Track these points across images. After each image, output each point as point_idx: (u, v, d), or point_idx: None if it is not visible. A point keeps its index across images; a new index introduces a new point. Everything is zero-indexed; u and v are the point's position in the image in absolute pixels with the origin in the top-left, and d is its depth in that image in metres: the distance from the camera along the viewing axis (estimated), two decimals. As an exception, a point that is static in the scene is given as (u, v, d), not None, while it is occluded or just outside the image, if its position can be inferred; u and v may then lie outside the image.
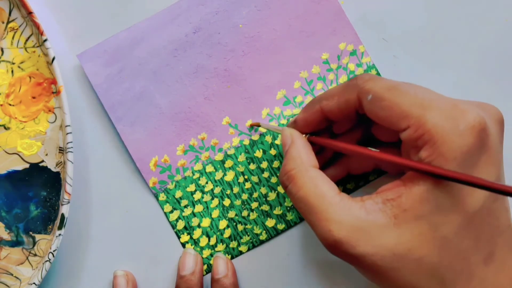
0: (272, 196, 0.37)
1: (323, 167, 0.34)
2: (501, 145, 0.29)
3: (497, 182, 0.26)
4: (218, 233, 0.37)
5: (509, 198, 0.30)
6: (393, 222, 0.27)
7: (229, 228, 0.37)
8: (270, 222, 0.37)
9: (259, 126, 0.36)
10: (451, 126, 0.27)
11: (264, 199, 0.37)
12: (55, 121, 0.36)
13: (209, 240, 0.37)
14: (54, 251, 0.34)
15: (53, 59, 0.34)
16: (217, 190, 0.37)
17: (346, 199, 0.29)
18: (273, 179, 0.37)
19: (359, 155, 0.30)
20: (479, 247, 0.28)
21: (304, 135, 0.33)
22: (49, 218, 0.36)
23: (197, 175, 0.37)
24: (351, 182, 0.37)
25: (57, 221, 0.34)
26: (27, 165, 0.36)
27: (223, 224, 0.37)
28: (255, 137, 0.37)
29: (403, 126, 0.28)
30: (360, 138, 0.35)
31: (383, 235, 0.27)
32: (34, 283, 0.34)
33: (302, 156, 0.31)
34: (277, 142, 0.37)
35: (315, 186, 0.29)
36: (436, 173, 0.26)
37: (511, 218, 0.29)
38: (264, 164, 0.37)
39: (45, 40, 0.34)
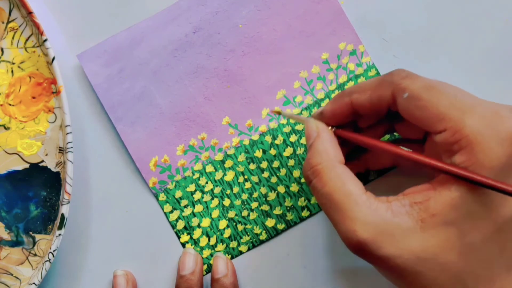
0: (272, 196, 0.37)
1: None
2: None
3: None
4: (218, 233, 0.37)
5: None
6: (420, 226, 0.27)
7: (229, 228, 0.37)
8: (270, 222, 0.37)
9: (280, 113, 0.34)
10: (491, 133, 0.26)
11: (264, 199, 0.37)
12: (55, 121, 0.36)
13: (209, 240, 0.37)
14: (54, 251, 0.34)
15: (53, 59, 0.34)
16: (217, 190, 0.37)
17: (372, 199, 0.28)
18: (273, 179, 0.37)
19: (391, 153, 0.29)
20: (504, 256, 0.27)
21: (330, 128, 0.32)
22: (49, 218, 0.36)
23: (197, 175, 0.37)
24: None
25: (57, 221, 0.34)
26: (27, 165, 0.36)
27: (223, 224, 0.37)
28: (255, 137, 0.37)
29: (440, 129, 0.27)
30: (383, 134, 0.34)
31: (408, 238, 0.27)
32: (34, 283, 0.34)
33: (329, 151, 0.30)
34: (277, 142, 0.37)
35: (342, 184, 0.28)
36: (473, 179, 0.26)
37: None
38: (264, 164, 0.37)
39: (45, 40, 0.34)
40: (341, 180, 0.29)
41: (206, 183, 0.37)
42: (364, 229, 0.27)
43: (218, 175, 0.37)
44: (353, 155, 0.36)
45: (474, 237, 0.27)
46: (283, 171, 0.37)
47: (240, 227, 0.37)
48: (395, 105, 0.29)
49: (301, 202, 0.37)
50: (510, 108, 0.28)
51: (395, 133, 0.36)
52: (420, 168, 0.29)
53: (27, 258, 0.36)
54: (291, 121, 0.37)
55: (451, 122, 0.27)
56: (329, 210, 0.29)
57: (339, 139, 0.32)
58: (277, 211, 0.37)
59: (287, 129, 0.37)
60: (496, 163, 0.26)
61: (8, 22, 0.35)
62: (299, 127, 0.37)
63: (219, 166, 0.37)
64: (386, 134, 0.35)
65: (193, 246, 0.37)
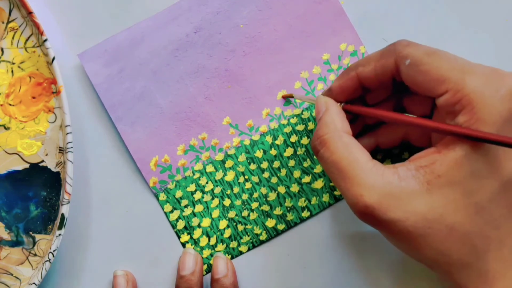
0: (272, 196, 0.37)
1: None
2: None
3: None
4: (218, 233, 0.37)
5: None
6: (426, 188, 0.27)
7: (229, 228, 0.37)
8: (270, 222, 0.37)
9: (292, 97, 0.35)
10: (491, 90, 0.26)
11: (264, 199, 0.37)
12: (55, 121, 0.36)
13: (209, 240, 0.37)
14: (54, 251, 0.34)
15: (53, 59, 0.34)
16: (217, 190, 0.37)
17: (378, 165, 0.29)
18: (274, 179, 0.37)
19: (398, 121, 0.30)
20: None
21: (339, 104, 0.32)
22: (49, 218, 0.36)
23: (197, 175, 0.37)
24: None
25: (57, 221, 0.34)
26: (27, 165, 0.36)
27: (223, 224, 0.37)
28: (256, 137, 0.37)
29: (441, 91, 0.28)
30: (391, 110, 0.34)
31: (415, 201, 0.27)
32: (34, 283, 0.34)
33: (336, 122, 0.31)
34: (278, 142, 0.37)
35: (348, 152, 0.29)
36: (475, 136, 0.26)
37: None
38: (265, 164, 0.37)
39: (45, 40, 0.34)
40: (348, 149, 0.29)
41: (207, 183, 0.37)
42: (371, 193, 0.28)
43: (219, 175, 0.37)
44: (362, 134, 0.36)
45: (481, 197, 0.27)
46: (283, 172, 0.37)
47: (240, 227, 0.37)
48: (398, 74, 0.30)
49: (302, 202, 0.37)
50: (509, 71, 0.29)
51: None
52: (428, 139, 0.30)
53: (27, 258, 0.35)
54: (292, 121, 0.37)
55: (451, 83, 0.27)
56: (336, 178, 0.29)
57: (348, 117, 0.32)
58: (278, 211, 0.37)
59: (287, 130, 0.37)
60: (498, 119, 0.26)
61: (8, 22, 0.35)
62: (299, 127, 0.37)
63: (219, 166, 0.37)
64: (394, 111, 0.34)
65: (193, 246, 0.37)
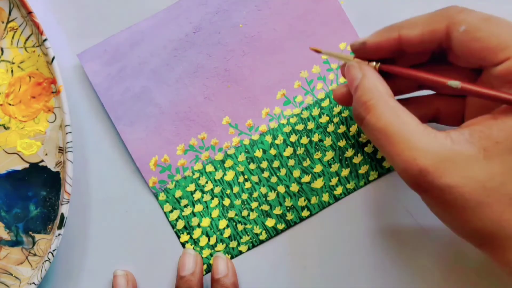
0: (272, 196, 0.37)
1: None
2: None
3: None
4: (218, 232, 0.37)
5: None
6: (483, 155, 0.26)
7: (229, 228, 0.37)
8: (270, 222, 0.37)
9: (320, 52, 0.32)
10: None
11: (264, 198, 0.37)
12: (54, 120, 0.36)
13: (209, 240, 0.37)
14: (53, 251, 0.34)
15: (53, 58, 0.34)
16: (217, 189, 0.37)
17: (430, 129, 0.27)
18: (273, 179, 0.37)
19: (441, 86, 0.28)
20: None
21: (374, 63, 0.31)
22: (49, 218, 0.36)
23: (197, 174, 0.37)
24: (351, 182, 0.37)
25: (57, 221, 0.34)
26: (27, 165, 0.36)
27: (223, 223, 0.37)
28: (255, 136, 0.37)
29: (502, 58, 0.26)
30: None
31: (473, 166, 0.26)
32: (33, 283, 0.34)
33: (378, 86, 0.29)
34: (277, 142, 0.37)
35: (396, 116, 0.27)
36: None
37: None
38: (264, 164, 0.37)
39: (45, 40, 0.34)
40: (396, 113, 0.28)
41: (206, 182, 0.37)
42: (425, 156, 0.26)
43: (218, 175, 0.37)
44: None
45: None
46: (283, 171, 0.37)
47: (240, 227, 0.37)
48: (448, 41, 0.28)
49: (301, 202, 0.37)
50: None
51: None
52: (461, 118, 0.28)
53: (26, 258, 0.35)
54: (291, 120, 0.37)
55: None
56: (385, 145, 0.28)
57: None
58: (277, 211, 0.37)
59: (287, 129, 0.37)
60: None
61: (8, 22, 0.35)
62: (299, 127, 0.37)
63: (219, 165, 0.37)
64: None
65: (193, 246, 0.37)
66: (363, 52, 0.31)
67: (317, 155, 0.37)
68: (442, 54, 0.30)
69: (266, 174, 0.37)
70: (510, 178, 0.26)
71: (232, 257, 0.37)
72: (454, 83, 0.28)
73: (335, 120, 0.37)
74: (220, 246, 0.37)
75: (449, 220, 0.28)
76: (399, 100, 0.32)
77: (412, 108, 0.32)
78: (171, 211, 0.37)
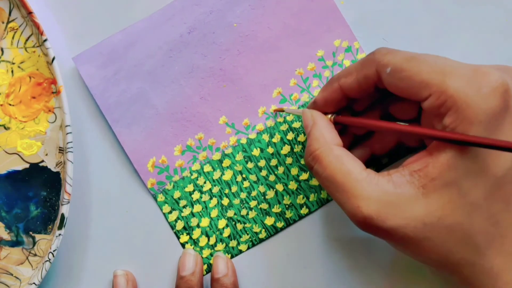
0: (270, 194, 0.37)
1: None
2: None
3: None
4: (217, 232, 0.37)
5: None
6: (422, 192, 0.27)
7: (228, 227, 0.37)
8: (269, 221, 0.37)
9: (283, 111, 0.37)
10: (473, 89, 0.26)
11: (262, 197, 0.37)
12: (55, 121, 0.36)
13: (208, 240, 0.37)
14: (54, 251, 0.34)
15: (53, 59, 0.35)
16: (215, 189, 0.37)
17: (372, 174, 0.29)
18: (271, 177, 0.37)
19: (388, 130, 0.30)
20: (510, 210, 0.28)
21: (329, 115, 0.33)
22: (49, 218, 0.36)
23: (195, 175, 0.37)
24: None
25: (57, 221, 0.35)
26: (27, 165, 0.36)
27: (222, 223, 0.37)
28: (252, 135, 0.38)
29: (425, 95, 0.28)
30: (379, 117, 0.35)
31: (412, 206, 0.27)
32: (34, 283, 0.34)
33: (325, 135, 0.31)
34: (274, 140, 0.37)
35: (341, 164, 0.29)
36: (460, 140, 0.26)
37: None
38: (262, 163, 0.37)
39: (45, 40, 0.35)
40: (340, 161, 0.29)
41: (205, 183, 0.37)
42: (368, 204, 0.28)
43: (216, 175, 0.37)
44: (356, 143, 0.36)
45: (476, 195, 0.27)
46: (281, 169, 0.37)
47: (239, 226, 0.37)
48: (381, 82, 0.30)
49: (300, 199, 0.37)
50: (489, 65, 0.28)
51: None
52: (421, 140, 0.30)
53: (27, 258, 0.36)
54: (288, 118, 0.38)
55: (434, 87, 0.27)
56: (333, 192, 0.29)
57: (337, 128, 0.33)
58: (276, 209, 0.37)
59: (284, 127, 0.37)
60: (484, 117, 0.26)
61: (8, 22, 0.36)
62: (296, 124, 0.38)
63: (217, 165, 0.37)
64: (382, 117, 0.35)
65: (192, 246, 0.37)
66: (317, 109, 0.33)
67: (315, 153, 0.37)
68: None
69: (264, 172, 0.37)
70: (447, 211, 0.27)
71: (232, 257, 0.37)
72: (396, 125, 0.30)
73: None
74: (220, 246, 0.37)
75: (405, 253, 0.30)
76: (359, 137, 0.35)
77: (375, 142, 0.35)
78: (170, 212, 0.37)
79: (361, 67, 0.31)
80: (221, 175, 0.37)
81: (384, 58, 0.29)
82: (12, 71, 0.36)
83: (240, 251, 0.37)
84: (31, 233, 0.36)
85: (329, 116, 0.33)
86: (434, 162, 0.27)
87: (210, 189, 0.37)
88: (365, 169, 0.29)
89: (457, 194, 0.27)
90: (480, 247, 0.27)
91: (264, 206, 0.37)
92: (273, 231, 0.37)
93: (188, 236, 0.37)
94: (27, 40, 0.36)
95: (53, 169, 0.36)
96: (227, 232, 0.37)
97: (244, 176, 0.37)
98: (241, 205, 0.37)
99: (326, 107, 0.33)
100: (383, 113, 0.34)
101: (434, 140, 0.28)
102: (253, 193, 0.37)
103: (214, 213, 0.37)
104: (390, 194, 0.28)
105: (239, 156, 0.37)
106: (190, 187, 0.37)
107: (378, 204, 0.28)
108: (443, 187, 0.27)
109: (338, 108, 0.33)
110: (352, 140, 0.36)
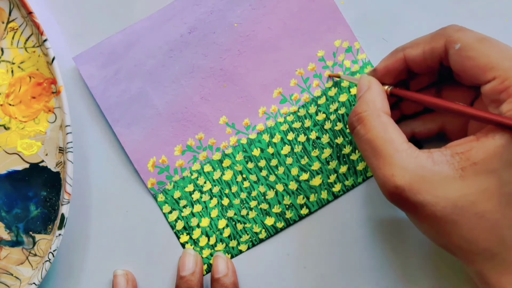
0: (270, 194, 0.37)
1: None
2: None
3: None
4: (217, 232, 0.37)
5: None
6: (460, 175, 0.27)
7: (229, 227, 0.37)
8: (269, 221, 0.37)
9: (338, 77, 0.36)
10: None
11: (262, 197, 0.37)
12: (55, 121, 0.36)
13: (208, 240, 0.37)
14: (54, 251, 0.34)
15: (53, 59, 0.35)
16: (215, 189, 0.37)
17: (413, 148, 0.29)
18: (271, 177, 0.37)
19: (445, 108, 0.30)
20: None
21: (386, 87, 0.33)
22: (49, 218, 0.36)
23: (195, 175, 0.37)
24: (349, 179, 0.37)
25: (57, 221, 0.35)
26: (27, 165, 0.36)
27: (222, 223, 0.37)
28: (253, 135, 0.38)
29: (489, 77, 0.28)
30: None
31: (447, 186, 0.27)
32: (34, 283, 0.34)
33: (376, 101, 0.31)
34: (275, 140, 0.37)
35: (384, 131, 0.29)
36: None
37: None
38: (262, 163, 0.37)
39: (45, 40, 0.35)
40: (384, 128, 0.29)
41: (205, 183, 0.37)
42: (403, 174, 0.28)
43: (217, 175, 0.37)
44: (399, 123, 0.35)
45: None
46: (281, 169, 0.37)
47: (239, 226, 0.37)
48: (447, 58, 0.30)
49: (300, 200, 0.37)
50: None
51: None
52: (465, 131, 0.30)
53: (27, 258, 0.36)
54: (288, 118, 0.37)
55: (500, 71, 0.27)
56: (369, 157, 0.29)
57: (390, 103, 0.32)
58: (276, 209, 0.37)
59: (284, 127, 0.37)
60: None
61: (8, 22, 0.36)
62: (296, 125, 0.37)
63: (217, 165, 0.37)
64: None
65: (192, 246, 0.37)
66: (376, 77, 0.33)
67: (315, 153, 0.37)
68: (450, 73, 0.32)
69: (264, 172, 0.37)
70: (481, 197, 0.27)
71: (232, 257, 0.37)
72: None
73: (332, 117, 0.37)
74: (220, 246, 0.37)
75: (425, 232, 0.30)
76: (409, 116, 0.35)
77: (419, 124, 0.35)
78: (170, 212, 0.37)
79: (429, 39, 0.31)
80: (221, 175, 0.37)
81: (455, 34, 0.29)
82: (12, 71, 0.36)
83: (240, 251, 0.37)
84: (31, 233, 0.36)
85: (386, 87, 0.33)
86: (480, 148, 0.27)
87: (210, 189, 0.37)
88: (407, 142, 0.29)
89: (495, 183, 0.27)
90: (506, 240, 0.27)
91: (264, 206, 0.37)
92: (273, 231, 0.37)
93: (188, 236, 0.37)
94: (27, 40, 0.36)
95: (53, 169, 0.36)
96: (227, 232, 0.37)
97: (244, 176, 0.37)
98: (241, 205, 0.37)
99: (385, 76, 0.33)
100: (435, 96, 0.34)
101: (484, 127, 0.28)
102: (253, 193, 0.37)
103: (214, 213, 0.37)
104: (427, 169, 0.27)
105: (239, 156, 0.37)
106: (190, 187, 0.37)
107: (413, 176, 0.27)
108: (483, 174, 0.27)
109: (397, 81, 0.33)
110: (398, 118, 0.36)
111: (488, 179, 0.27)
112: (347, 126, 0.37)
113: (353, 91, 0.38)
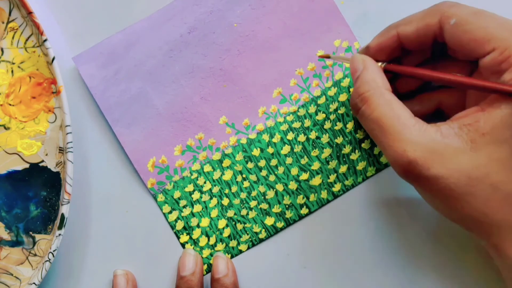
0: (270, 194, 0.37)
1: None
2: None
3: None
4: (217, 232, 0.37)
5: None
6: (470, 146, 0.27)
7: (228, 227, 0.37)
8: (269, 221, 0.37)
9: (329, 57, 0.36)
10: None
11: (262, 197, 0.37)
12: (55, 121, 0.36)
13: (208, 240, 0.37)
14: (54, 251, 0.34)
15: (53, 59, 0.35)
16: (215, 189, 0.37)
17: (421, 122, 0.28)
18: (271, 177, 0.37)
19: (445, 81, 0.30)
20: None
21: (380, 63, 0.32)
22: (49, 218, 0.36)
23: (195, 175, 0.37)
24: (349, 179, 0.37)
25: (57, 221, 0.35)
26: (27, 165, 0.36)
27: (222, 223, 0.37)
28: (252, 135, 0.38)
29: (488, 49, 0.27)
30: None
31: (459, 158, 0.27)
32: (34, 283, 0.34)
33: (376, 79, 0.31)
34: (274, 140, 0.38)
35: (390, 108, 0.29)
36: None
37: None
38: (262, 163, 0.37)
39: (45, 40, 0.35)
40: (390, 105, 0.29)
41: (205, 182, 0.37)
42: (414, 148, 0.27)
43: (216, 175, 0.37)
44: None
45: None
46: (281, 169, 0.37)
47: (239, 226, 0.37)
48: (441, 35, 0.30)
49: (300, 200, 0.37)
50: None
51: None
52: (462, 107, 0.30)
53: (27, 258, 0.36)
54: (288, 118, 0.38)
55: (499, 42, 0.27)
56: (378, 135, 0.29)
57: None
58: (276, 209, 0.37)
59: (284, 127, 0.37)
60: None
61: (8, 22, 0.36)
62: (296, 125, 0.38)
63: (217, 165, 0.38)
64: None
65: (192, 246, 0.37)
66: (369, 55, 0.33)
67: (315, 153, 0.37)
68: (443, 49, 0.32)
69: (264, 172, 0.37)
70: (494, 168, 0.27)
71: (232, 257, 0.37)
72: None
73: (332, 117, 0.37)
74: (220, 246, 0.37)
75: (438, 207, 0.29)
76: (404, 96, 0.34)
77: (416, 103, 0.35)
78: (170, 212, 0.37)
79: (423, 16, 0.30)
80: (221, 175, 0.37)
81: (450, 9, 0.29)
82: (12, 71, 0.36)
83: (240, 251, 0.37)
84: (31, 233, 0.36)
85: (380, 64, 0.32)
86: (487, 118, 0.27)
87: (210, 189, 0.37)
88: (413, 117, 0.29)
89: (507, 152, 0.27)
90: None
91: (264, 206, 0.37)
92: (273, 231, 0.37)
93: (188, 236, 0.37)
94: (27, 40, 0.36)
95: (53, 169, 0.36)
96: (227, 232, 0.37)
97: (244, 176, 0.37)
98: (241, 205, 0.37)
99: (379, 54, 0.32)
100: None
101: (487, 97, 0.27)
102: (253, 193, 0.37)
103: (214, 213, 0.37)
104: (437, 142, 0.27)
105: (239, 156, 0.37)
106: (190, 187, 0.37)
107: (425, 150, 0.27)
108: (494, 144, 0.27)
109: (389, 58, 0.33)
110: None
111: (500, 149, 0.27)
112: (347, 126, 0.37)
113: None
